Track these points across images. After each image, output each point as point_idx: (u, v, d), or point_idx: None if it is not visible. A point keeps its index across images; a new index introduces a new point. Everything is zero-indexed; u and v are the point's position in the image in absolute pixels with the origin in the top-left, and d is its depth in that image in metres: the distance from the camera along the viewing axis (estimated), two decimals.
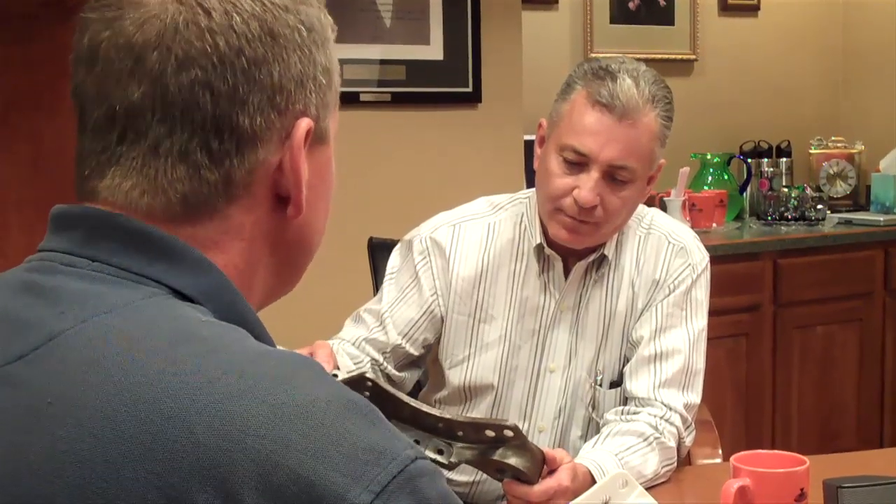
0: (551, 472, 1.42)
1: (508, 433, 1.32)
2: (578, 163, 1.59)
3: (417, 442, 1.27)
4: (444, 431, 1.30)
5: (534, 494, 1.40)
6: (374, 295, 1.83)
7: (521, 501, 1.42)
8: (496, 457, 1.33)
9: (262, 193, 0.76)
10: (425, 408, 1.28)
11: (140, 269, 0.71)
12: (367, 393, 1.24)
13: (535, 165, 1.68)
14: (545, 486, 1.40)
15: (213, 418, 0.62)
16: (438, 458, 1.29)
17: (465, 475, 1.72)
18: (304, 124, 0.76)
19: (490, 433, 1.31)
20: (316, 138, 0.78)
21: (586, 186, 1.58)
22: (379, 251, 2.03)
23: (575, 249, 1.67)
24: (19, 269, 0.75)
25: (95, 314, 0.68)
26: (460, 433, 1.30)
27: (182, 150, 0.72)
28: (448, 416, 1.29)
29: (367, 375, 1.25)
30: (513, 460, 1.34)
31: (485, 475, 1.70)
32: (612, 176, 1.59)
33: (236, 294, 0.75)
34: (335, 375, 1.27)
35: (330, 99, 0.80)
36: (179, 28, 0.71)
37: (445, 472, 1.65)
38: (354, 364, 1.67)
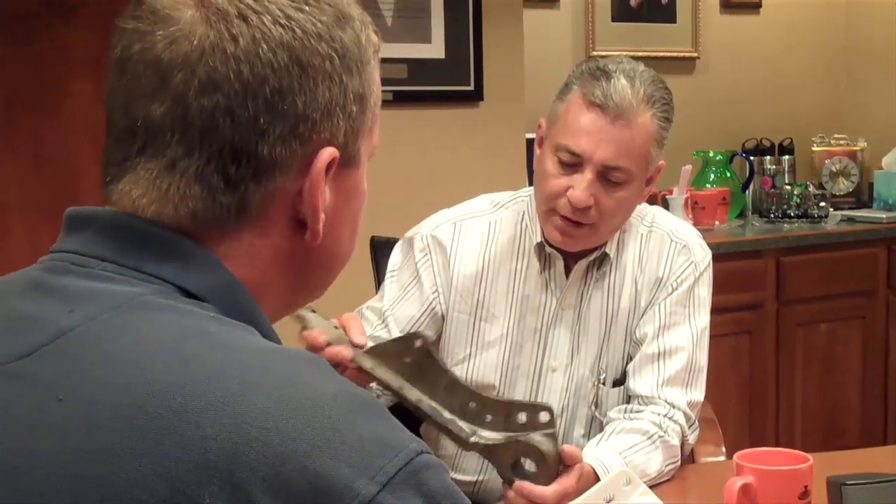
0: (566, 468, 1.42)
1: (545, 415, 1.32)
2: (573, 163, 1.59)
3: (438, 425, 1.28)
4: (473, 412, 1.30)
5: (549, 497, 1.39)
6: (376, 293, 1.83)
7: (528, 502, 1.41)
8: (525, 439, 1.32)
9: (279, 218, 0.76)
10: (463, 381, 1.29)
11: (148, 268, 0.72)
12: (412, 356, 1.25)
13: (535, 166, 1.68)
14: (562, 485, 1.40)
15: (220, 412, 0.62)
16: (461, 434, 1.29)
17: (469, 474, 1.72)
18: (327, 154, 0.75)
19: (522, 417, 1.31)
20: (343, 163, 0.78)
21: (580, 187, 1.58)
22: (381, 249, 2.03)
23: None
24: (31, 269, 0.75)
25: (104, 312, 0.69)
26: (489, 418, 1.30)
27: (198, 172, 0.72)
28: (483, 393, 1.30)
29: (420, 333, 1.25)
30: (544, 445, 1.33)
31: (489, 475, 1.70)
32: (606, 177, 1.59)
33: (244, 293, 0.75)
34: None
35: (362, 122, 0.79)
36: (206, 52, 0.71)
37: (451, 468, 1.65)
38: None
